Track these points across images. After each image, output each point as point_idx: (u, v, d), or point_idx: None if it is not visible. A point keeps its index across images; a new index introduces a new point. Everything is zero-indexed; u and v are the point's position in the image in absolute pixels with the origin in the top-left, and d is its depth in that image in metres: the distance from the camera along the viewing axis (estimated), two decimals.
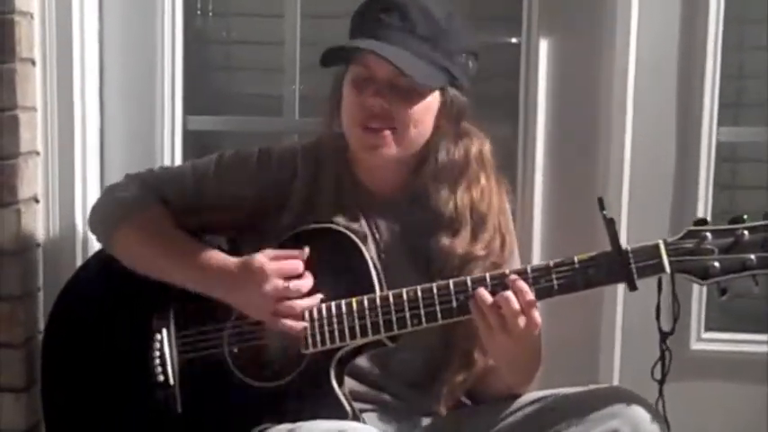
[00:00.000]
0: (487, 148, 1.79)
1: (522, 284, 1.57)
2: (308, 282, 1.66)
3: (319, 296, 1.67)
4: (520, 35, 2.22)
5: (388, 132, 1.70)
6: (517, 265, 1.76)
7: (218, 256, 1.71)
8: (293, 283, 1.65)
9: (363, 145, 1.73)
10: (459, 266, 1.70)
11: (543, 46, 2.17)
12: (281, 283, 1.64)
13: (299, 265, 1.66)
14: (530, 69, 2.19)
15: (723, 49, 2.15)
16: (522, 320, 1.56)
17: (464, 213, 1.74)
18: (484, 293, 1.58)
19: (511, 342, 1.58)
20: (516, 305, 1.56)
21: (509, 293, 1.56)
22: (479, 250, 1.73)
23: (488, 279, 1.61)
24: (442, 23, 1.69)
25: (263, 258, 1.65)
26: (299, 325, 1.65)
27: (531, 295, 1.57)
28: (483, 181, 1.77)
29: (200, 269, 1.70)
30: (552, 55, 2.18)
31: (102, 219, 1.83)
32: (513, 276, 1.59)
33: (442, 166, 1.75)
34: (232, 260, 1.68)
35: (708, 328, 2.24)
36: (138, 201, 1.79)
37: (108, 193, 1.87)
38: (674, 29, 2.15)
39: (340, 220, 1.74)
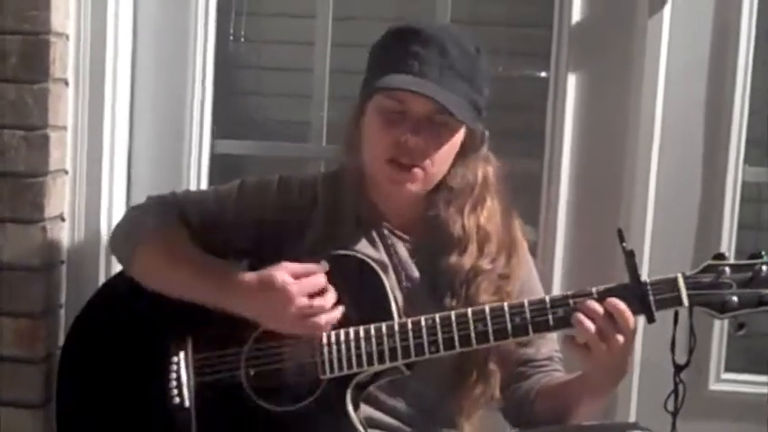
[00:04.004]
0: (492, 169, 1.79)
1: (623, 307, 1.56)
2: (330, 296, 1.65)
3: (340, 308, 1.66)
4: (548, 69, 2.23)
5: (418, 170, 1.70)
6: (536, 281, 1.82)
7: (235, 271, 1.69)
8: (317, 302, 1.63)
9: (391, 179, 1.72)
10: (468, 281, 1.73)
11: (571, 80, 2.18)
12: (305, 301, 1.62)
13: (321, 281, 1.65)
14: (557, 103, 2.19)
15: (752, 88, 2.15)
16: (620, 336, 1.55)
17: (471, 233, 1.76)
18: (593, 305, 1.56)
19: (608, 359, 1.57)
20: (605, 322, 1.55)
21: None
22: (486, 264, 1.75)
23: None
24: (474, 59, 1.70)
25: (285, 277, 1.62)
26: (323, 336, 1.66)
27: (628, 313, 1.55)
28: (488, 201, 1.78)
29: (217, 283, 1.69)
30: (580, 90, 2.18)
31: (123, 237, 1.84)
32: (614, 300, 1.56)
33: (455, 192, 1.76)
34: (250, 275, 1.66)
35: (727, 369, 2.22)
36: (159, 221, 1.80)
37: (130, 213, 1.89)
38: (703, 66, 2.15)
39: (359, 247, 1.75)
